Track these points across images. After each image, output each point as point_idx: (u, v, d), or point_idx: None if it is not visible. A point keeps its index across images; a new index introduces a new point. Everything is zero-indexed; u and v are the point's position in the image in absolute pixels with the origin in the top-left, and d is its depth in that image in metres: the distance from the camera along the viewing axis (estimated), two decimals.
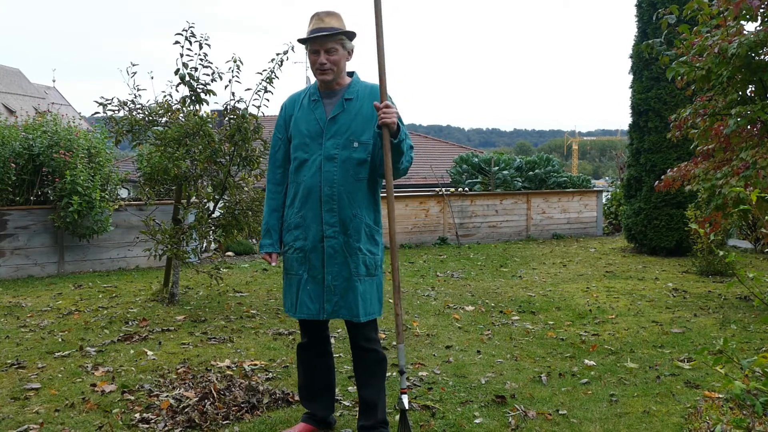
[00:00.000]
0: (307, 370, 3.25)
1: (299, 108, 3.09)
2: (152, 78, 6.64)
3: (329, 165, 2.96)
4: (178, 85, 6.15)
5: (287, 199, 3.12)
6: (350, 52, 3.04)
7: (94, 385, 3.95)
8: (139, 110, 6.23)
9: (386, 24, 2.98)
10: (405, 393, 2.96)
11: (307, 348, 3.23)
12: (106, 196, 8.34)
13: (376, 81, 3.02)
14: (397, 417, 3.38)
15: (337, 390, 3.56)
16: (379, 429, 3.09)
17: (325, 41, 2.93)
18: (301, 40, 3.02)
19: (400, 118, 2.92)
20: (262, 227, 3.21)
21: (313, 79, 3.21)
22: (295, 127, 3.07)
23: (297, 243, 3.04)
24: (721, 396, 3.59)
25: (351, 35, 3.01)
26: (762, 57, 5.27)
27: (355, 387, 3.86)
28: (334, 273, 2.98)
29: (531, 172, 15.34)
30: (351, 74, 3.12)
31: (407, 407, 2.96)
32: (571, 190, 13.69)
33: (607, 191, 14.93)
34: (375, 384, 3.12)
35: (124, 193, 10.42)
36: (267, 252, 3.15)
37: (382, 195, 3.16)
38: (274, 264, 3.16)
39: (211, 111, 6.50)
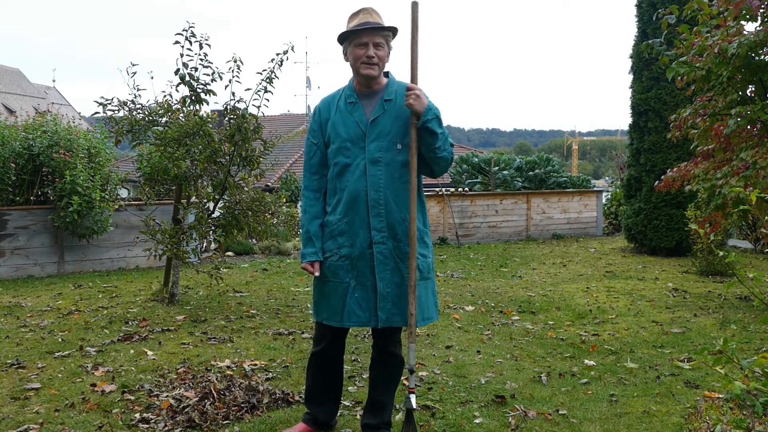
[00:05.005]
0: (318, 376, 3.18)
1: (336, 111, 2.97)
2: (152, 78, 6.64)
3: (374, 168, 2.87)
4: (178, 85, 6.15)
5: (327, 205, 3.00)
6: (389, 52, 2.98)
7: (94, 385, 3.95)
8: (139, 110, 6.23)
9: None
10: (413, 392, 2.94)
11: (322, 356, 3.14)
12: (106, 196, 8.34)
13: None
14: (397, 417, 3.39)
15: None
16: (383, 430, 3.08)
17: (375, 34, 2.89)
18: (347, 33, 2.92)
19: (431, 105, 2.86)
20: (302, 235, 3.02)
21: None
22: (333, 131, 2.94)
23: (343, 250, 2.91)
24: (721, 396, 3.60)
25: (396, 33, 2.97)
26: (762, 57, 5.27)
27: (356, 387, 3.88)
28: (386, 280, 2.89)
29: (531, 172, 15.35)
30: (386, 74, 3.04)
31: (414, 407, 2.95)
32: (571, 190, 13.69)
33: (607, 191, 14.93)
34: (390, 387, 3.11)
35: (124, 193, 10.42)
36: (310, 261, 2.96)
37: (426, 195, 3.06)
38: (317, 274, 2.96)
39: (211, 111, 6.50)
